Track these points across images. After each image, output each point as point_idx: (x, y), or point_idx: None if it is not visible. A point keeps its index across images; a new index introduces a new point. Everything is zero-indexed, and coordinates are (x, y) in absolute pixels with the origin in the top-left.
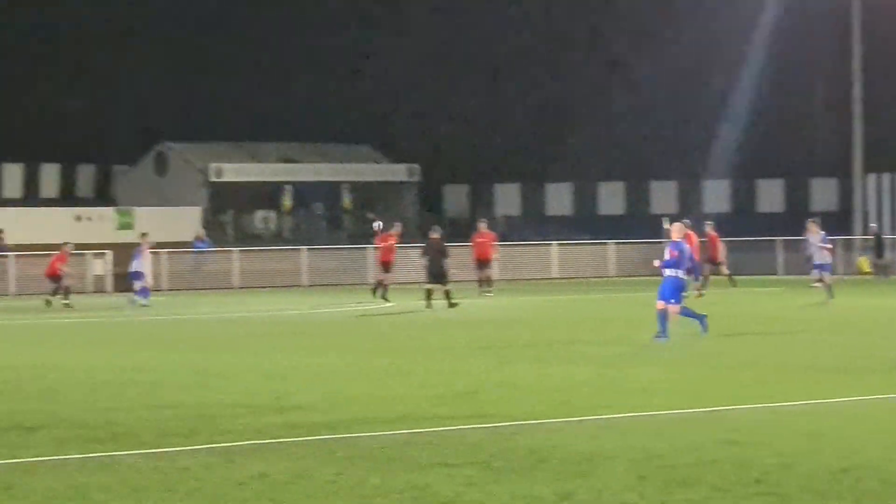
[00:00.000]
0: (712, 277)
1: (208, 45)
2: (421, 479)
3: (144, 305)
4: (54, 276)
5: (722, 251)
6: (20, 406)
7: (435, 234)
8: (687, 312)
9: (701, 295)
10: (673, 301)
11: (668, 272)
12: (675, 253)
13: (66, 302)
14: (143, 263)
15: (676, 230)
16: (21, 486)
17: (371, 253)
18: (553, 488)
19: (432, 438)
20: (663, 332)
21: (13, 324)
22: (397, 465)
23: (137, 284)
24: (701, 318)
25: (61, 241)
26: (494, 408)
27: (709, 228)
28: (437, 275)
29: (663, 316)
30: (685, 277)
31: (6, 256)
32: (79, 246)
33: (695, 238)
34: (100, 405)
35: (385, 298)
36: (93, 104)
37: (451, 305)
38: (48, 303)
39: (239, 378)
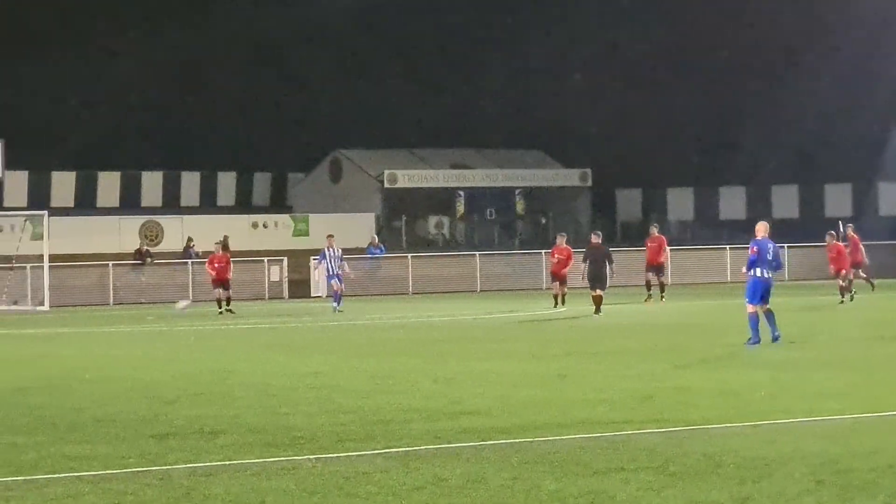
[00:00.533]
0: (856, 280)
1: (380, 52)
2: (597, 485)
3: (339, 311)
4: (224, 281)
5: (863, 254)
6: (201, 411)
7: (596, 239)
8: (753, 320)
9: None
10: (754, 302)
11: (750, 273)
12: (754, 250)
13: (229, 310)
14: (332, 266)
15: (761, 228)
16: (201, 490)
17: (545, 258)
18: (730, 493)
19: (607, 443)
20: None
21: (191, 330)
22: (573, 470)
23: (335, 284)
24: (755, 331)
25: (238, 248)
26: (669, 412)
27: (850, 231)
28: (597, 279)
29: (753, 319)
30: (768, 276)
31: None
32: (255, 253)
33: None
34: (278, 410)
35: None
36: (268, 113)
37: (597, 311)
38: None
39: (414, 383)
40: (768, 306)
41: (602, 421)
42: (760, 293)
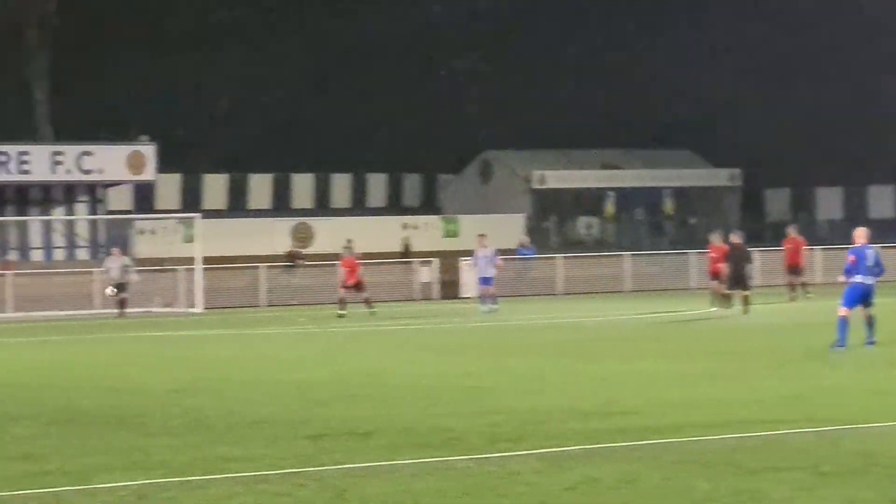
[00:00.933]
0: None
1: (529, 53)
2: (750, 484)
3: (493, 310)
4: (358, 285)
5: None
6: (354, 412)
7: (736, 239)
8: (842, 323)
9: None
10: (848, 306)
11: (850, 279)
12: (852, 258)
13: (341, 312)
14: (485, 267)
15: (860, 235)
16: (354, 490)
17: (694, 258)
18: (883, 493)
19: (760, 442)
20: (840, 340)
21: (343, 331)
22: (725, 470)
23: (484, 289)
24: (842, 335)
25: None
26: (821, 411)
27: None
28: (738, 279)
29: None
30: (869, 282)
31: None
32: (405, 254)
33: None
34: (430, 411)
35: (724, 306)
36: (418, 114)
37: (745, 312)
38: (372, 312)
39: (565, 383)
40: (870, 312)
41: (754, 420)
42: (857, 298)
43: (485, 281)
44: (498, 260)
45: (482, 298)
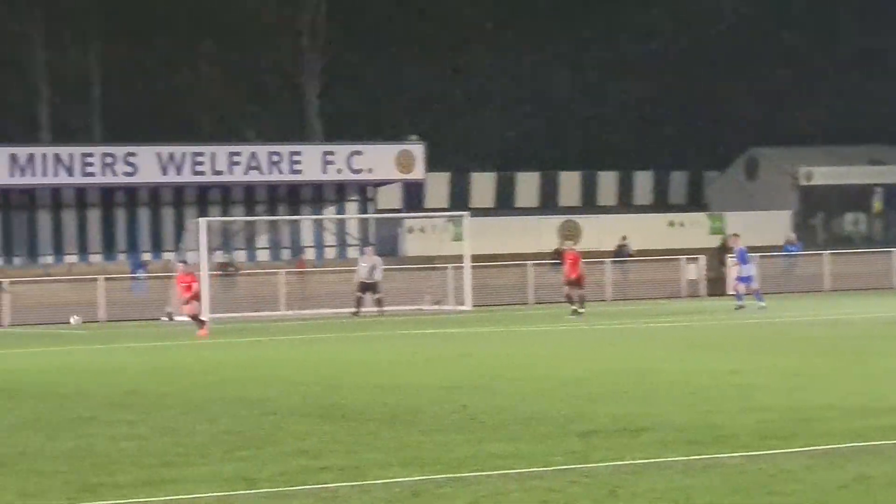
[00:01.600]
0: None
1: (796, 49)
2: None
3: (761, 308)
4: (579, 279)
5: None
6: (623, 409)
7: None
8: None
9: None
10: None
11: None
12: None
13: (577, 310)
14: (748, 266)
15: None
16: (626, 487)
17: None
18: None
19: None
20: None
21: (609, 328)
22: None
23: (744, 287)
24: None
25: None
26: None
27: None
28: None
29: None
30: None
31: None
32: (671, 251)
33: None
34: (699, 408)
35: None
36: (684, 111)
37: None
38: (575, 312)
39: (833, 380)
40: None
41: None
42: None
43: (745, 280)
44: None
45: (755, 294)
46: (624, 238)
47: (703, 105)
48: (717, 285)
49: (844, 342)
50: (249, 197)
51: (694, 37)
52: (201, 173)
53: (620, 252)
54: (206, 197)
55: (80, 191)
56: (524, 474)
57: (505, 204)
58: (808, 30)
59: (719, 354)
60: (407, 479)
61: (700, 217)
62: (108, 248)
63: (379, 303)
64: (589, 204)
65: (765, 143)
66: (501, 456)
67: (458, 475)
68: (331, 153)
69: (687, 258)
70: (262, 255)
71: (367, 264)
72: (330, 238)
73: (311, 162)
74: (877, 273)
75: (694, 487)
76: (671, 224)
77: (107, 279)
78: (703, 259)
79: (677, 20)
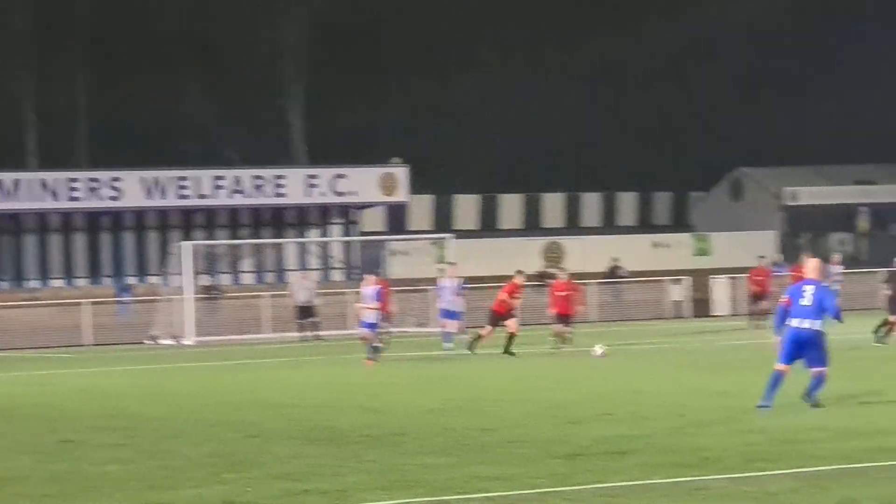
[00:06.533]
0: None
1: (775, 68)
2: None
3: (450, 350)
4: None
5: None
6: (609, 431)
7: None
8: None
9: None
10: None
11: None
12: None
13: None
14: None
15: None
16: None
17: None
18: None
19: None
20: None
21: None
22: None
23: (447, 323)
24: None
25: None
26: None
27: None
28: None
29: None
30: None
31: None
32: (656, 273)
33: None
34: (685, 430)
35: None
36: (668, 132)
37: None
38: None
39: (823, 402)
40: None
41: None
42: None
43: (449, 314)
44: (461, 290)
45: (444, 335)
46: (616, 259)
47: (687, 126)
48: (701, 306)
49: (836, 364)
50: (233, 220)
51: (680, 59)
52: (186, 197)
53: (614, 273)
54: (190, 221)
55: (66, 215)
56: (509, 497)
57: (489, 226)
58: (793, 51)
59: (705, 376)
60: (390, 502)
61: (685, 238)
62: (94, 273)
63: (315, 327)
64: (573, 225)
65: (750, 164)
66: (486, 478)
67: (443, 498)
68: (314, 176)
69: (671, 279)
70: (247, 279)
71: (302, 286)
72: (314, 261)
73: (295, 185)
74: (863, 293)
75: None
76: (656, 245)
77: (92, 303)
78: (687, 280)
79: (663, 42)
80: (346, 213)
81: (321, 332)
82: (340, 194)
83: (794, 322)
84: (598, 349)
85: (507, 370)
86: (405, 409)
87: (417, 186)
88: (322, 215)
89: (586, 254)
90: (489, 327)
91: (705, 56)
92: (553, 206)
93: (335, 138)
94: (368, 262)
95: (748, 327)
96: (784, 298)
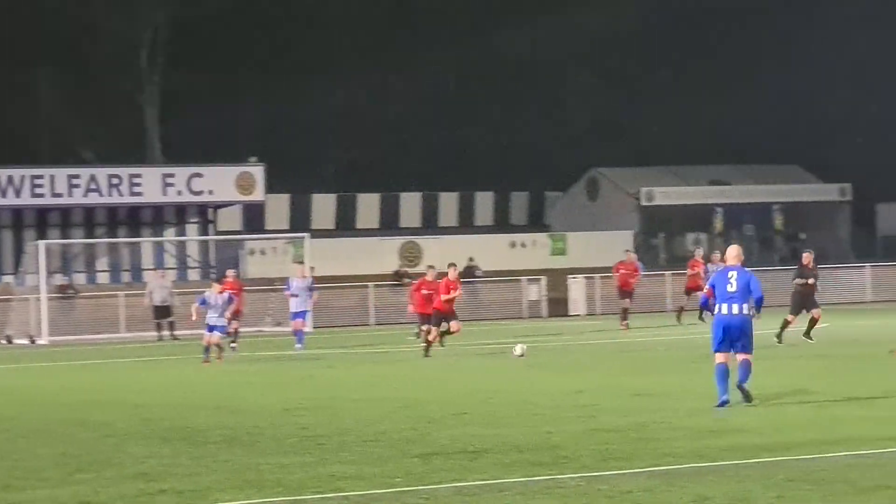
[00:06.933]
0: None
1: (635, 70)
2: (864, 502)
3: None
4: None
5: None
6: (465, 430)
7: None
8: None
9: None
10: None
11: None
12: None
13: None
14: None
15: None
16: None
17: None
18: None
19: (874, 460)
20: None
21: (452, 350)
22: (839, 488)
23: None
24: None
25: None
26: None
27: None
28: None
29: None
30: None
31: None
32: (513, 272)
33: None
34: (541, 429)
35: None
36: (525, 132)
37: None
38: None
39: (677, 400)
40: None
41: (869, 438)
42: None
43: (298, 314)
44: (314, 294)
45: (297, 334)
46: (471, 259)
47: (545, 125)
48: (558, 306)
49: (687, 362)
50: (89, 219)
51: (532, 59)
52: (40, 196)
53: (469, 272)
54: (45, 220)
55: None
56: (365, 496)
57: (346, 225)
58: (648, 54)
59: (562, 375)
60: (246, 501)
61: (541, 238)
62: None
63: (171, 326)
64: (430, 225)
65: (606, 164)
66: (342, 478)
67: (298, 498)
68: (171, 175)
69: (528, 279)
70: (103, 278)
71: (158, 284)
72: (171, 261)
73: (151, 184)
74: None
75: None
76: (513, 245)
77: None
78: (544, 280)
79: (519, 42)
80: (203, 213)
81: (177, 332)
82: (197, 193)
83: (723, 309)
84: (518, 349)
85: (364, 369)
86: (261, 409)
87: (274, 185)
88: (178, 214)
89: (443, 253)
90: (434, 329)
91: (561, 58)
92: (410, 205)
93: (191, 137)
94: (225, 261)
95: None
96: (706, 289)
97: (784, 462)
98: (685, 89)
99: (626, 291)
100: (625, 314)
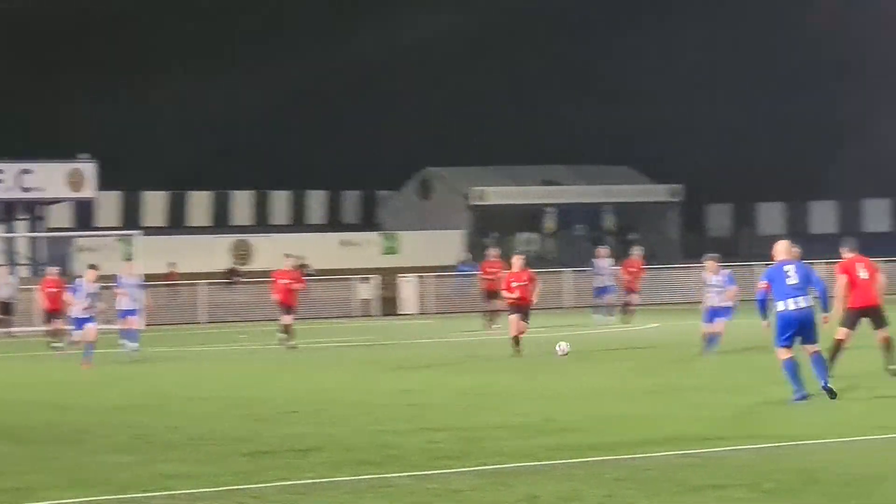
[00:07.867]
0: None
1: (468, 70)
2: (691, 501)
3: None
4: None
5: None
6: (294, 429)
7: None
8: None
9: None
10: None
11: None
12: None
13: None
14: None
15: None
16: None
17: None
18: None
19: (701, 460)
20: None
21: (283, 349)
22: (667, 487)
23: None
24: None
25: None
26: (763, 428)
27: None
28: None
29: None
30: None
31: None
32: (345, 271)
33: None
34: (371, 428)
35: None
36: (357, 131)
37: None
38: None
39: (507, 400)
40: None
41: (695, 437)
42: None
43: (128, 312)
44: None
45: (125, 333)
46: (301, 258)
47: (376, 124)
48: (389, 305)
49: (518, 361)
50: None
51: (363, 58)
52: None
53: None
54: None
55: None
56: (192, 495)
57: (177, 223)
58: (477, 51)
59: (392, 374)
60: (73, 500)
61: (373, 236)
62: None
63: (8, 324)
64: (261, 223)
65: (438, 163)
66: (170, 476)
67: (126, 496)
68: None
69: (360, 278)
70: None
71: (3, 282)
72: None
73: None
74: (549, 292)
75: None
76: (344, 243)
77: None
78: (376, 279)
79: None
80: (32, 209)
81: (13, 329)
82: (26, 189)
83: (790, 304)
84: (562, 347)
85: (194, 367)
86: (91, 407)
87: (105, 182)
88: (7, 211)
89: (275, 252)
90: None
91: (393, 57)
92: (242, 203)
93: (21, 133)
94: (55, 258)
95: (484, 327)
96: (762, 283)
97: (612, 461)
98: (519, 90)
99: (493, 291)
100: (492, 312)
